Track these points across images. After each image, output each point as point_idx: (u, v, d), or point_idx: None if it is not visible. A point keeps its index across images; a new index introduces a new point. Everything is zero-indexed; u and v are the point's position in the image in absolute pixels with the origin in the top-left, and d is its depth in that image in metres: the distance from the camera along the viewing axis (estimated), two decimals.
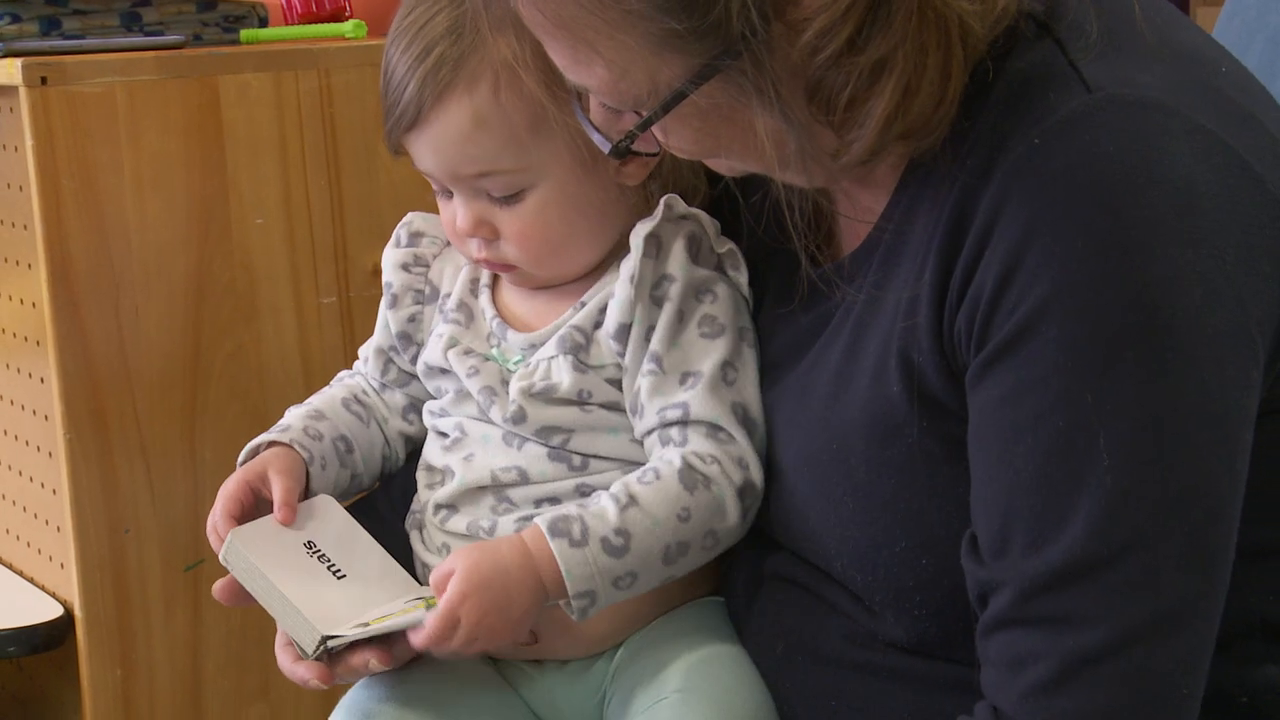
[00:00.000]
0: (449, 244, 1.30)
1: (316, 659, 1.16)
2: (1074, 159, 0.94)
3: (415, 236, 1.32)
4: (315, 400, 1.32)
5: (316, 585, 1.19)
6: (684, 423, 1.16)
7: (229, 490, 1.23)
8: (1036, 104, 0.96)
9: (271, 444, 1.26)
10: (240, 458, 1.26)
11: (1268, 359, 0.97)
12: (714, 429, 1.16)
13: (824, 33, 0.95)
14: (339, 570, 1.21)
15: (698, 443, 1.16)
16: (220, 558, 1.20)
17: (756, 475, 1.16)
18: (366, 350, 1.34)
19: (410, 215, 1.33)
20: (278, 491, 1.22)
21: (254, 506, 1.23)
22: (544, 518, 1.12)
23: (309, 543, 1.22)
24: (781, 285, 1.19)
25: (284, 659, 1.19)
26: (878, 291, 1.06)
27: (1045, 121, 0.95)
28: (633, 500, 1.13)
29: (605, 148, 1.06)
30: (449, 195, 1.22)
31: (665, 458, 1.16)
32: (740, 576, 1.23)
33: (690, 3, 0.95)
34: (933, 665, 1.07)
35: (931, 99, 0.96)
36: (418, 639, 1.12)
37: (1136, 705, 0.95)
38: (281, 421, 1.29)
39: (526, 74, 1.14)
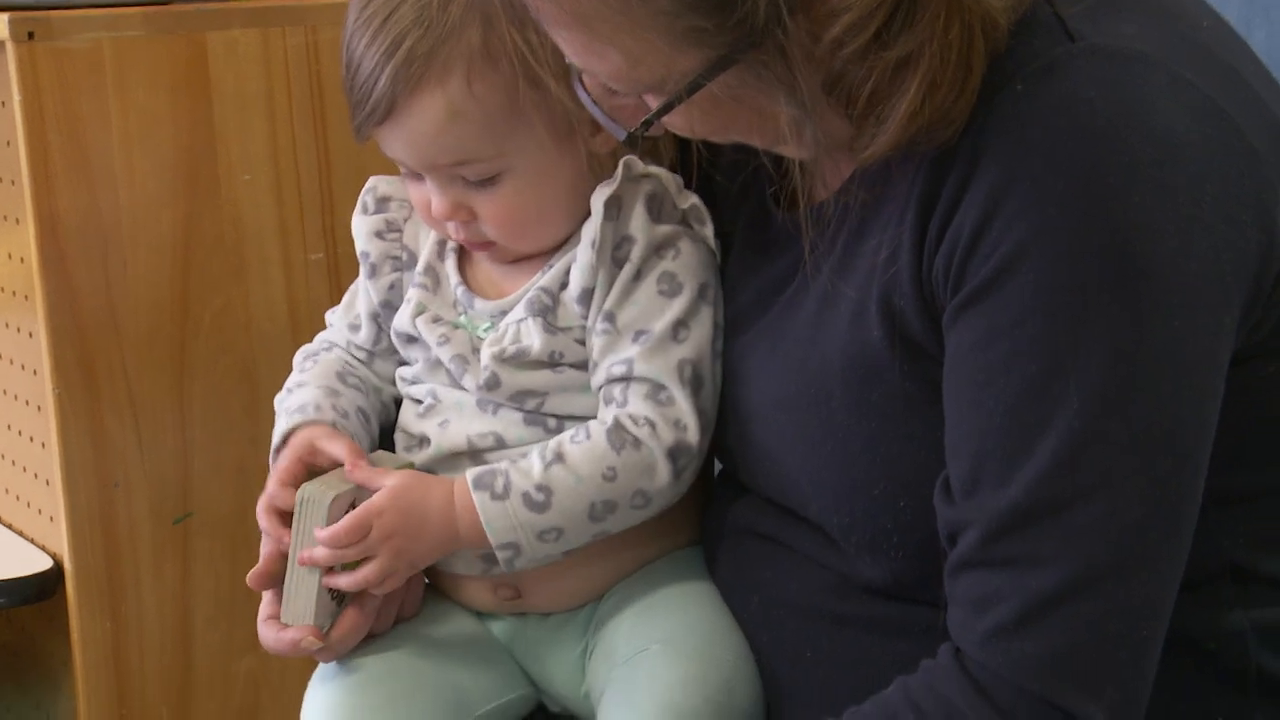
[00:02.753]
0: None
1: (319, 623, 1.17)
2: (1055, 106, 0.95)
3: (383, 201, 1.28)
4: (315, 379, 1.26)
5: None
6: (627, 379, 1.16)
7: (284, 465, 1.19)
8: (1020, 52, 0.97)
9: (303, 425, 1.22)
10: (273, 448, 1.23)
11: (1243, 308, 0.98)
12: (656, 388, 1.16)
13: (851, 27, 0.94)
14: None
15: (635, 404, 1.16)
16: (301, 490, 1.17)
17: (694, 436, 1.15)
18: (348, 318, 1.30)
19: (373, 180, 1.30)
20: (344, 451, 1.18)
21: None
22: (472, 470, 1.15)
23: None
24: (752, 231, 1.19)
25: (267, 631, 1.18)
26: (856, 236, 1.06)
27: (1027, 69, 0.96)
28: (559, 458, 1.14)
29: (620, 135, 1.05)
30: (419, 178, 1.19)
31: (601, 417, 1.16)
32: (715, 529, 1.24)
33: (720, 1, 0.94)
34: (908, 610, 1.08)
35: (952, 93, 0.95)
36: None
37: (1096, 647, 0.95)
38: (297, 402, 1.23)
39: (503, 60, 1.13)
